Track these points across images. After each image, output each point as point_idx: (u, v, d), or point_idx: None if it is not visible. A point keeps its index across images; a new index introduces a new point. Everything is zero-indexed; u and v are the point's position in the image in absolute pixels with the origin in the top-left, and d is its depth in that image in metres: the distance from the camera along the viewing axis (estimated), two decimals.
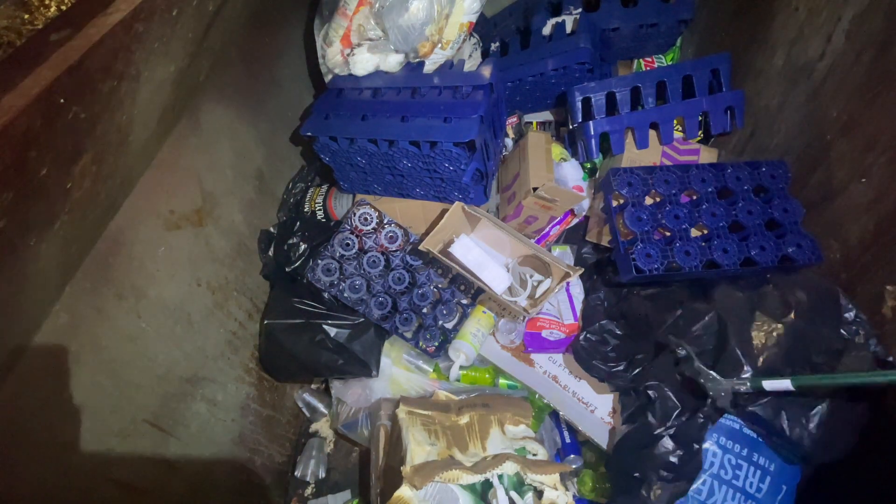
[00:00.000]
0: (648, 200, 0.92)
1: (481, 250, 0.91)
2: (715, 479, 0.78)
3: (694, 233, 0.89)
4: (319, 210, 1.12)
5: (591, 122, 1.01)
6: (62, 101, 0.42)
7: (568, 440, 0.99)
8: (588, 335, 0.90)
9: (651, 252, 0.84)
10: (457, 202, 0.94)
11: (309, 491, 1.08)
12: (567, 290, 0.99)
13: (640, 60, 1.22)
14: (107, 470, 0.65)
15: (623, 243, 0.87)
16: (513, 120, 1.21)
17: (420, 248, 0.93)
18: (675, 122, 1.02)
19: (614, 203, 0.92)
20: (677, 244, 0.85)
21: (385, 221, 1.01)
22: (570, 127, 1.08)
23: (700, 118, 1.02)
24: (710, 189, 0.90)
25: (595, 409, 0.93)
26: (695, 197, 0.92)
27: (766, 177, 0.90)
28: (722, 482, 0.78)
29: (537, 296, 0.93)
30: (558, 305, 0.99)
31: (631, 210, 0.87)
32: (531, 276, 0.95)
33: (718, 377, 0.73)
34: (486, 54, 1.21)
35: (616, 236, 0.90)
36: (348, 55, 0.99)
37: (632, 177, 0.90)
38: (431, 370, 1.04)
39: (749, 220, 0.87)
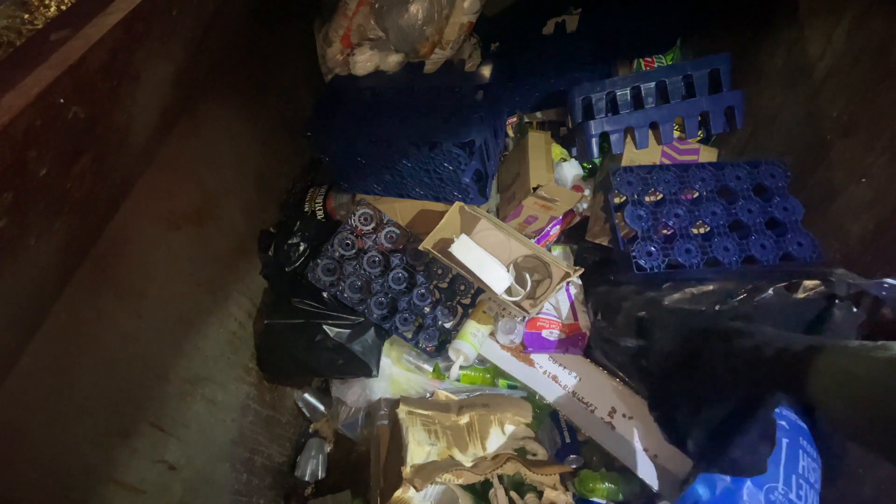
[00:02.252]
0: (649, 199, 0.92)
1: (481, 250, 0.90)
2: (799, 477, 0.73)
3: (694, 232, 0.89)
4: (319, 210, 1.12)
5: (590, 122, 1.01)
6: (62, 101, 0.42)
7: (568, 440, 0.98)
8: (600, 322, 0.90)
9: (651, 250, 0.84)
10: (456, 202, 0.94)
11: (309, 491, 1.08)
12: (567, 290, 0.99)
13: (640, 60, 1.22)
14: (107, 470, 0.65)
15: (623, 241, 0.87)
16: (513, 120, 1.21)
17: (420, 248, 0.93)
18: (674, 122, 1.02)
19: (614, 201, 0.92)
20: (678, 242, 0.85)
21: (385, 221, 1.01)
22: (570, 127, 1.08)
23: (700, 118, 1.02)
24: (709, 188, 0.90)
25: (595, 409, 0.93)
26: (695, 196, 0.92)
27: (766, 176, 0.90)
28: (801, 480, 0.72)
29: (537, 296, 0.93)
30: (558, 305, 0.99)
31: (631, 208, 0.88)
32: (531, 276, 0.95)
33: None
34: (486, 54, 1.21)
35: (616, 235, 0.90)
36: (348, 55, 0.99)
37: (631, 175, 0.90)
38: (431, 370, 1.04)
39: (749, 219, 0.87)
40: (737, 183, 0.90)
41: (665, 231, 0.88)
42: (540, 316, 0.98)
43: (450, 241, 0.90)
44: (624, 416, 0.89)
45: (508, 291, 0.92)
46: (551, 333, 0.96)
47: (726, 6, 1.14)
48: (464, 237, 0.90)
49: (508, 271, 0.92)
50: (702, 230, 0.90)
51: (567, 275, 0.90)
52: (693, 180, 0.90)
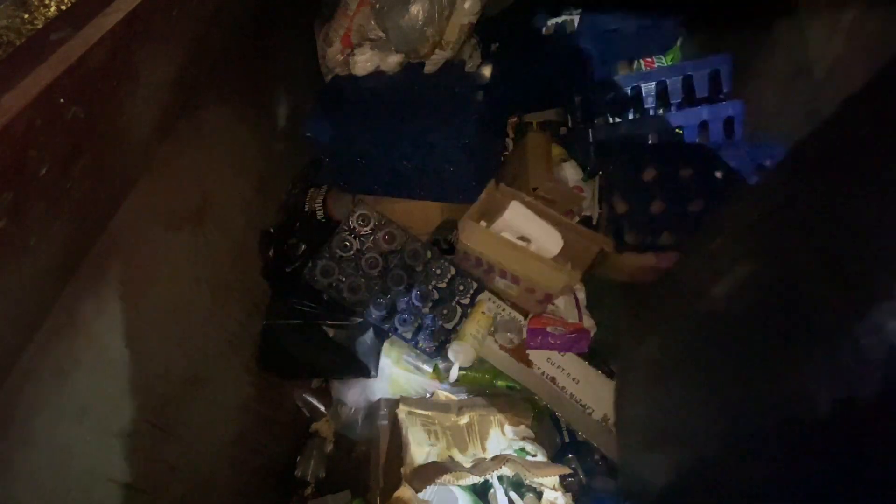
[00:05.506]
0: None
1: (532, 214, 0.92)
2: None
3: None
4: (319, 210, 1.12)
5: (590, 122, 1.01)
6: (62, 101, 0.42)
7: (568, 440, 0.98)
8: None
9: None
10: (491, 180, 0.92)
11: (309, 491, 1.08)
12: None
13: (640, 60, 1.22)
14: (107, 470, 0.65)
15: None
16: (513, 120, 1.21)
17: (461, 240, 0.92)
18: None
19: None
20: None
21: (384, 222, 1.01)
22: (570, 127, 1.08)
23: (699, 127, 1.02)
24: None
25: (592, 412, 0.93)
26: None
27: (766, 157, 0.89)
28: None
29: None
30: (563, 306, 0.99)
31: None
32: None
33: None
34: (486, 54, 1.21)
35: None
36: (348, 55, 0.99)
37: None
38: (431, 370, 1.04)
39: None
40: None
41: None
42: (544, 316, 0.98)
43: (493, 217, 0.89)
44: None
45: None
46: (556, 329, 0.96)
47: (726, 6, 1.14)
48: (514, 204, 0.90)
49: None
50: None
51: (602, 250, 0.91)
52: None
